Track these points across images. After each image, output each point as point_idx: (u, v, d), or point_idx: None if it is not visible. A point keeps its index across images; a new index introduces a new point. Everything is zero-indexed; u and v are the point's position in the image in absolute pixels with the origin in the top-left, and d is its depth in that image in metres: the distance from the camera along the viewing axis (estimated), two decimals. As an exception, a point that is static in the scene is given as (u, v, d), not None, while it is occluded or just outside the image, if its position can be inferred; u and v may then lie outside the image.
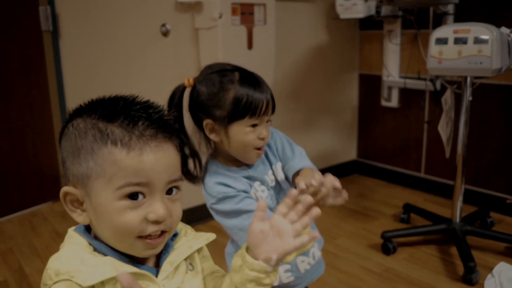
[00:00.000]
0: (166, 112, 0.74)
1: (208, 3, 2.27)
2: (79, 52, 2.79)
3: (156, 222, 0.70)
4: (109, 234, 0.71)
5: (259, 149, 1.11)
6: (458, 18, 2.39)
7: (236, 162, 1.14)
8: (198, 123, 1.13)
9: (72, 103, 2.87)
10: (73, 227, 0.77)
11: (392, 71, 2.98)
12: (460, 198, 2.24)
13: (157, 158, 0.70)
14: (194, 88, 1.11)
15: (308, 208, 0.74)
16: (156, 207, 0.69)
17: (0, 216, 2.72)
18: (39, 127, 2.86)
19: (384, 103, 3.10)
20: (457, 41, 1.99)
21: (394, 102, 3.04)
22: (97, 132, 0.69)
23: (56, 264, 0.69)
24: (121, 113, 0.70)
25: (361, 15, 2.72)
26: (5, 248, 2.39)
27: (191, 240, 0.82)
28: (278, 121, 1.21)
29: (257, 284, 0.73)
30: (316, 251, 1.23)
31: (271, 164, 1.19)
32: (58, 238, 2.45)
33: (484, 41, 1.92)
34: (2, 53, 2.65)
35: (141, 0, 2.43)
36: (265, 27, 2.42)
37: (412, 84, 2.89)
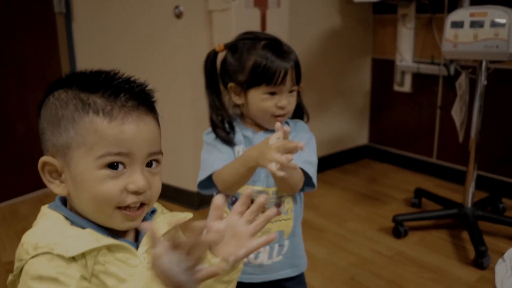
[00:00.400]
0: (147, 86, 0.74)
1: (222, -15, 2.26)
2: (92, 34, 2.80)
3: (136, 193, 0.70)
4: (88, 205, 0.71)
5: (278, 116, 1.13)
6: (474, 2, 2.35)
7: (256, 126, 1.18)
8: (225, 85, 1.18)
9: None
10: (46, 205, 0.76)
11: (405, 55, 2.96)
12: (472, 184, 2.23)
13: (139, 129, 0.70)
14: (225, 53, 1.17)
15: (261, 208, 0.74)
16: (136, 177, 0.69)
17: (14, 197, 2.77)
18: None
19: (397, 88, 3.08)
20: (473, 24, 1.97)
21: (407, 87, 3.02)
22: (79, 102, 0.69)
23: (33, 238, 0.67)
24: (103, 85, 0.70)
25: (375, -2, 2.70)
26: (19, 228, 2.42)
27: (169, 217, 0.82)
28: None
29: (217, 280, 0.73)
30: (264, 259, 1.18)
31: None
32: (72, 218, 2.48)
33: (501, 25, 1.90)
34: (15, 35, 2.67)
35: (154, -19, 2.43)
36: (279, 10, 2.40)
37: (426, 69, 2.87)
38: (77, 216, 0.72)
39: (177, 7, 2.33)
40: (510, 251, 2.07)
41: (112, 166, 0.68)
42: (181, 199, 2.59)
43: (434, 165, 3.00)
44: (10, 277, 0.71)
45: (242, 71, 1.12)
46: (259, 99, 1.12)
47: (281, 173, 0.91)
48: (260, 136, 1.16)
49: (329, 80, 3.06)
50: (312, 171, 1.14)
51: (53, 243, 0.65)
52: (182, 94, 2.44)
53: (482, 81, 2.10)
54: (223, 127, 1.16)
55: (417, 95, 3.02)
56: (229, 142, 1.15)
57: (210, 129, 1.16)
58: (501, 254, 2.06)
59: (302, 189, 1.17)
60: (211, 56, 1.17)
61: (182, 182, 2.58)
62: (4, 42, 2.62)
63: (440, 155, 2.97)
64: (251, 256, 1.16)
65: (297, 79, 1.15)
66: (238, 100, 1.16)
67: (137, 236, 0.78)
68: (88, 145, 0.68)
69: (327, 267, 2.01)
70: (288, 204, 1.19)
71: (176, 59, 2.42)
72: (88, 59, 2.83)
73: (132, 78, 0.73)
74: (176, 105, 2.41)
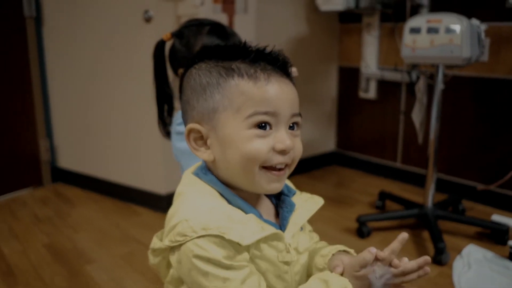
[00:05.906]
0: (281, 53, 0.78)
1: (190, -9, 2.32)
2: (62, 38, 2.81)
3: (283, 152, 0.72)
4: (235, 166, 0.72)
5: None
6: (433, 10, 2.46)
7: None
8: (176, 72, 1.23)
9: (54, 89, 2.90)
10: (189, 170, 0.78)
11: (370, 63, 3.05)
12: (432, 185, 2.31)
13: (281, 89, 0.74)
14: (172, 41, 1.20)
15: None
16: (283, 137, 0.72)
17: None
18: (21, 114, 2.87)
19: (362, 94, 3.17)
20: (430, 30, 2.06)
21: (371, 94, 3.11)
22: (222, 69, 0.73)
23: (201, 217, 0.67)
24: (241, 53, 0.75)
25: (340, 7, 2.78)
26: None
27: (307, 201, 0.86)
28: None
29: None
30: None
31: None
32: (38, 222, 2.46)
33: (455, 31, 2.00)
34: (-16, 37, 2.66)
35: (124, -14, 2.47)
36: (246, 16, 2.47)
37: (389, 75, 2.97)
38: (234, 195, 0.74)
39: (146, 11, 2.37)
40: (467, 248, 2.15)
41: (260, 126, 0.71)
42: (149, 203, 2.60)
43: (398, 170, 3.09)
44: (158, 243, 0.72)
45: (190, 56, 1.16)
46: None
47: None
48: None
49: (296, 87, 3.12)
50: None
51: (224, 227, 0.66)
52: (151, 95, 2.47)
53: (440, 85, 2.19)
54: (162, 119, 1.19)
55: (381, 102, 3.11)
56: (166, 135, 1.16)
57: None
58: (459, 251, 2.14)
59: None
60: (159, 46, 1.21)
61: (150, 184, 2.59)
62: (-29, 45, 2.61)
63: (405, 160, 3.06)
64: None
65: None
66: None
67: (277, 213, 0.81)
68: (235, 106, 0.71)
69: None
70: None
71: (145, 62, 2.44)
72: (58, 63, 2.84)
73: (266, 47, 0.77)
74: (144, 106, 2.43)
